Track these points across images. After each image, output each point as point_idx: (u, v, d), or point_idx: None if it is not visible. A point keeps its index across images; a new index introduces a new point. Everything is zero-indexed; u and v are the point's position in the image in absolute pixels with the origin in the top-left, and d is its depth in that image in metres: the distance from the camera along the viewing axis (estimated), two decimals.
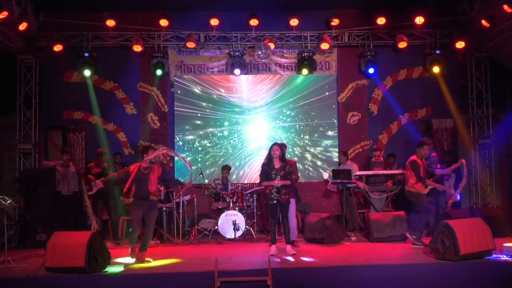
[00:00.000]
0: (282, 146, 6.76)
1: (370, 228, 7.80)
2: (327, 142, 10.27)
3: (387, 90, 10.16)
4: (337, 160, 10.06)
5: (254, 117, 10.25)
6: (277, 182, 6.51)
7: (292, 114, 10.27)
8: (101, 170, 8.23)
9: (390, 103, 10.08)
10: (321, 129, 10.28)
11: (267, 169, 6.62)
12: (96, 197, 8.16)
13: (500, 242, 6.19)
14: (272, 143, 6.82)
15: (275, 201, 6.56)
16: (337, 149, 10.20)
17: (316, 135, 10.26)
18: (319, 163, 10.24)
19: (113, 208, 8.31)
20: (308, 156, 10.26)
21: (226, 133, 10.19)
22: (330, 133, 10.27)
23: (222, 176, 9.20)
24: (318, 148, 10.27)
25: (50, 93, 9.82)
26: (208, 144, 10.15)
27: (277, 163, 6.63)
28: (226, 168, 9.24)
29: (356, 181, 8.48)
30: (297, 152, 10.25)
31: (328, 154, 10.26)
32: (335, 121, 10.26)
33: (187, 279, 5.36)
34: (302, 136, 10.29)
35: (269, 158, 6.68)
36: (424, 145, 7.16)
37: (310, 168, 10.20)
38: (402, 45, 9.70)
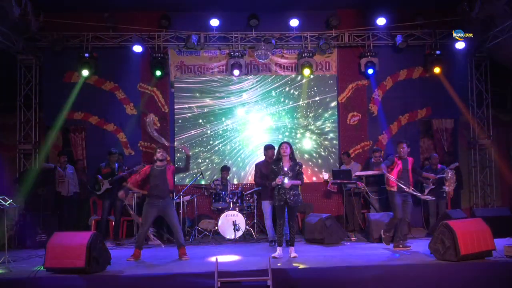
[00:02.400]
0: (291, 145, 6.52)
1: (370, 228, 7.81)
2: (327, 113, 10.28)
3: (387, 90, 10.16)
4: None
5: (254, 114, 10.24)
6: (288, 183, 6.28)
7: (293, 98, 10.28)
8: (110, 170, 8.26)
9: (390, 103, 10.08)
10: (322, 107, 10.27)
11: (275, 170, 6.42)
12: (103, 197, 8.22)
13: (500, 243, 6.20)
14: (281, 142, 6.58)
15: (282, 203, 6.40)
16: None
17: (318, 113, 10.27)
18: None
19: (118, 209, 8.33)
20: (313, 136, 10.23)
21: (226, 132, 10.16)
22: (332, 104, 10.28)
23: (221, 177, 9.21)
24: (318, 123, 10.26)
25: (50, 93, 9.81)
26: (206, 144, 10.13)
27: (287, 163, 6.44)
28: (225, 169, 9.25)
29: (355, 181, 8.51)
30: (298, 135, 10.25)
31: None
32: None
33: (187, 279, 5.36)
34: (305, 115, 10.23)
35: (278, 158, 6.48)
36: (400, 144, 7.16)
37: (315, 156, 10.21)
38: (402, 45, 9.71)
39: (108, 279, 5.48)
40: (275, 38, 9.83)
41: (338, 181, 8.67)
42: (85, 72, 9.45)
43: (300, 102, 10.25)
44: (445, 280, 5.47)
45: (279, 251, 6.43)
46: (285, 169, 6.39)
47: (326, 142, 10.22)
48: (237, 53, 9.74)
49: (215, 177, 9.64)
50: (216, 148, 10.12)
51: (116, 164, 8.37)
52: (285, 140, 9.33)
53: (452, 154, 10.19)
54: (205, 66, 10.21)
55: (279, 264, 5.88)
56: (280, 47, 10.04)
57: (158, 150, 6.64)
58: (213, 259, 5.38)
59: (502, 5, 8.25)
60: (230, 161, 10.02)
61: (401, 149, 7.05)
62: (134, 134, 9.92)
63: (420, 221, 9.09)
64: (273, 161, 6.64)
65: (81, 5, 9.50)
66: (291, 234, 6.51)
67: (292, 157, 6.47)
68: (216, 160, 10.05)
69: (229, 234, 8.07)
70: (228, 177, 9.34)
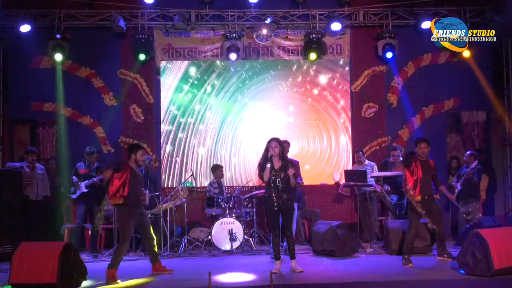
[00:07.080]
0: (282, 143, 6.63)
1: (388, 238, 7.81)
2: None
3: (409, 77, 10.15)
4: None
5: (254, 104, 10.29)
6: (290, 171, 6.36)
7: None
8: (89, 171, 8.27)
9: (412, 93, 10.08)
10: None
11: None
12: (79, 202, 8.24)
13: None
14: (269, 139, 6.63)
15: (275, 208, 6.46)
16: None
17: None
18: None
19: (96, 216, 8.30)
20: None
21: (222, 126, 10.22)
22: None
23: (216, 176, 9.15)
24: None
25: (16, 81, 9.79)
26: (199, 140, 10.19)
27: (277, 162, 6.52)
28: (218, 168, 9.20)
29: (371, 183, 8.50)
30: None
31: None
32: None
33: None
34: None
35: (267, 157, 6.54)
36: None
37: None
38: (426, 25, 9.67)
39: None
40: (278, 17, 9.81)
41: (351, 183, 8.66)
42: (58, 57, 9.42)
43: (307, 91, 10.27)
44: None
45: (276, 265, 6.47)
46: (276, 169, 6.45)
47: (337, 138, 10.24)
48: (233, 34, 9.72)
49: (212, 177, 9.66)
50: (210, 143, 10.19)
51: (95, 164, 8.38)
52: (288, 135, 9.36)
53: (485, 151, 10.17)
54: (196, 49, 10.18)
55: (282, 276, 5.90)
56: (284, 27, 10.03)
57: (141, 152, 6.56)
58: (206, 274, 5.37)
59: None
60: (228, 160, 10.08)
61: (419, 149, 6.98)
62: (114, 128, 9.92)
63: (446, 229, 9.07)
64: (261, 161, 6.66)
65: None
66: (289, 245, 6.53)
67: (282, 156, 6.54)
68: (210, 158, 10.12)
69: (225, 245, 8.09)
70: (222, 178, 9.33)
